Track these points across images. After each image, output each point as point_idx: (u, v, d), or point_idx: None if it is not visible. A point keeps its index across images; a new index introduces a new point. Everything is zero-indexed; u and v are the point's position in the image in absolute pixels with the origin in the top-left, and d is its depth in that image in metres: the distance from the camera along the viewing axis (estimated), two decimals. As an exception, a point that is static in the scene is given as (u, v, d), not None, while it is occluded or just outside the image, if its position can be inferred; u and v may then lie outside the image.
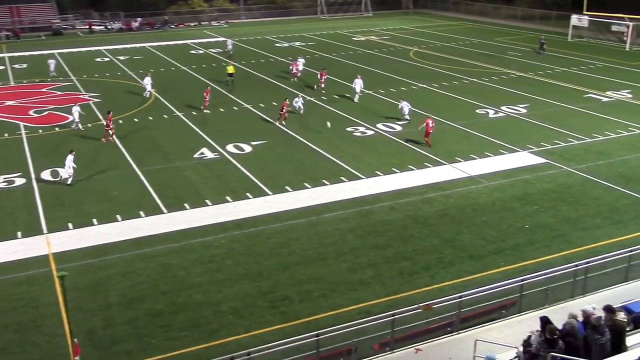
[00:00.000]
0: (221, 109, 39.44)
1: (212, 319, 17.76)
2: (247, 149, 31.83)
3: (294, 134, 34.01)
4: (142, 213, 24.47)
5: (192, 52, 62.72)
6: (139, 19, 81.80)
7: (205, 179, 27.92)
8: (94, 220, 23.85)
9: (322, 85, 43.77)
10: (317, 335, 14.79)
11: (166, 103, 41.17)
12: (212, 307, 18.33)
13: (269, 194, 26.21)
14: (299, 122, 36.05)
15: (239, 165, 29.43)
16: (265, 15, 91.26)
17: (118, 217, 24.15)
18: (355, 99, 40.81)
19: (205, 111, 38.73)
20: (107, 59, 58.81)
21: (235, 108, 39.85)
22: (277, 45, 65.64)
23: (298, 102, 38.01)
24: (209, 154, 31.12)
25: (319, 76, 44.36)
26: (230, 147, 31.93)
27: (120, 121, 36.84)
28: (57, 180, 27.73)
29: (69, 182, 27.26)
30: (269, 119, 36.85)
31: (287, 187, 26.79)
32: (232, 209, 24.82)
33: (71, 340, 15.08)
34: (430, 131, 31.50)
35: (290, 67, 48.34)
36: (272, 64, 54.62)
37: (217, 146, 32.13)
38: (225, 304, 18.43)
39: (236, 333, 17.06)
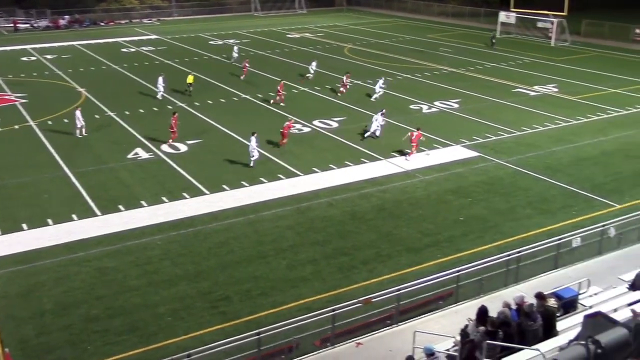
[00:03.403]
0: (155, 108, 38.74)
1: (150, 321, 17.45)
2: (183, 148, 31.38)
3: (230, 132, 33.74)
4: (74, 216, 23.78)
5: (124, 50, 61.31)
6: (67, 17, 79.34)
7: (140, 180, 27.37)
8: (24, 225, 23.00)
9: (344, 90, 42.00)
10: (258, 334, 14.75)
11: (97, 102, 40.10)
12: (150, 309, 18.01)
13: (206, 194, 25.92)
14: (237, 120, 35.79)
15: (174, 165, 28.99)
16: (197, 12, 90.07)
17: (49, 221, 23.38)
18: (373, 97, 40.66)
19: (281, 104, 39.05)
20: (33, 58, 56.78)
21: (170, 107, 39.20)
22: (211, 43, 64.95)
23: (377, 122, 32.70)
24: (144, 154, 30.51)
25: (344, 79, 42.67)
26: (165, 147, 31.39)
27: (50, 122, 35.71)
28: None
29: (251, 164, 28.37)
30: (204, 117, 36.43)
31: (225, 186, 26.57)
32: (169, 210, 24.44)
33: (2, 350, 14.53)
34: (414, 143, 29.87)
35: (242, 65, 47.66)
36: (206, 62, 54.01)
37: (151, 146, 31.54)
38: (163, 306, 18.14)
39: (175, 335, 16.82)
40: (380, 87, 41.00)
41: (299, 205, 24.96)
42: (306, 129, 34.29)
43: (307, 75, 46.80)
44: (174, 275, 19.79)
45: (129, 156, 30.23)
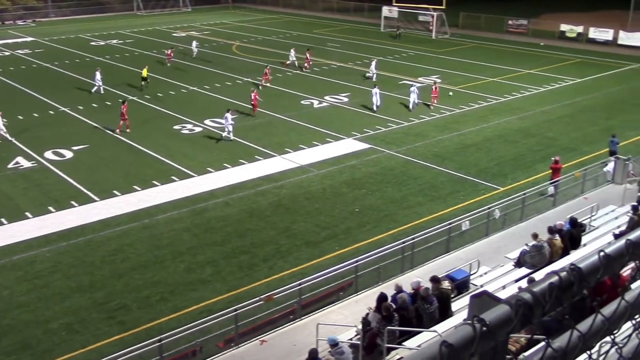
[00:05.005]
0: (35, 114, 36.80)
1: (42, 338, 16.61)
2: (68, 154, 30.03)
3: (118, 136, 32.63)
4: (-49, 233, 22.22)
5: (-3, 54, 57.76)
6: None
7: (23, 190, 25.94)
8: None
9: (308, 66, 48.15)
10: (159, 341, 14.42)
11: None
12: (42, 325, 17.14)
13: (96, 200, 24.96)
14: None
15: (60, 173, 27.69)
16: (76, 12, 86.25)
17: None
18: (373, 78, 44.35)
19: (268, 84, 42.18)
20: None
21: (52, 112, 37.39)
22: (93, 44, 62.43)
23: (414, 94, 37.40)
24: (25, 163, 28.92)
25: (307, 56, 48.44)
26: (48, 154, 29.91)
27: None
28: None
29: (225, 136, 31.31)
30: (90, 122, 35.01)
31: (116, 192, 25.70)
32: (56, 220, 23.33)
33: None
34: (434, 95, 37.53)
35: (167, 52, 50.95)
36: (88, 64, 51.81)
37: (33, 154, 29.93)
38: (56, 321, 17.33)
39: (72, 350, 16.11)
40: (375, 69, 45.00)
41: (194, 206, 24.56)
42: (198, 129, 33.76)
43: (288, 62, 49.46)
44: (67, 288, 18.94)
45: (10, 166, 28.56)
